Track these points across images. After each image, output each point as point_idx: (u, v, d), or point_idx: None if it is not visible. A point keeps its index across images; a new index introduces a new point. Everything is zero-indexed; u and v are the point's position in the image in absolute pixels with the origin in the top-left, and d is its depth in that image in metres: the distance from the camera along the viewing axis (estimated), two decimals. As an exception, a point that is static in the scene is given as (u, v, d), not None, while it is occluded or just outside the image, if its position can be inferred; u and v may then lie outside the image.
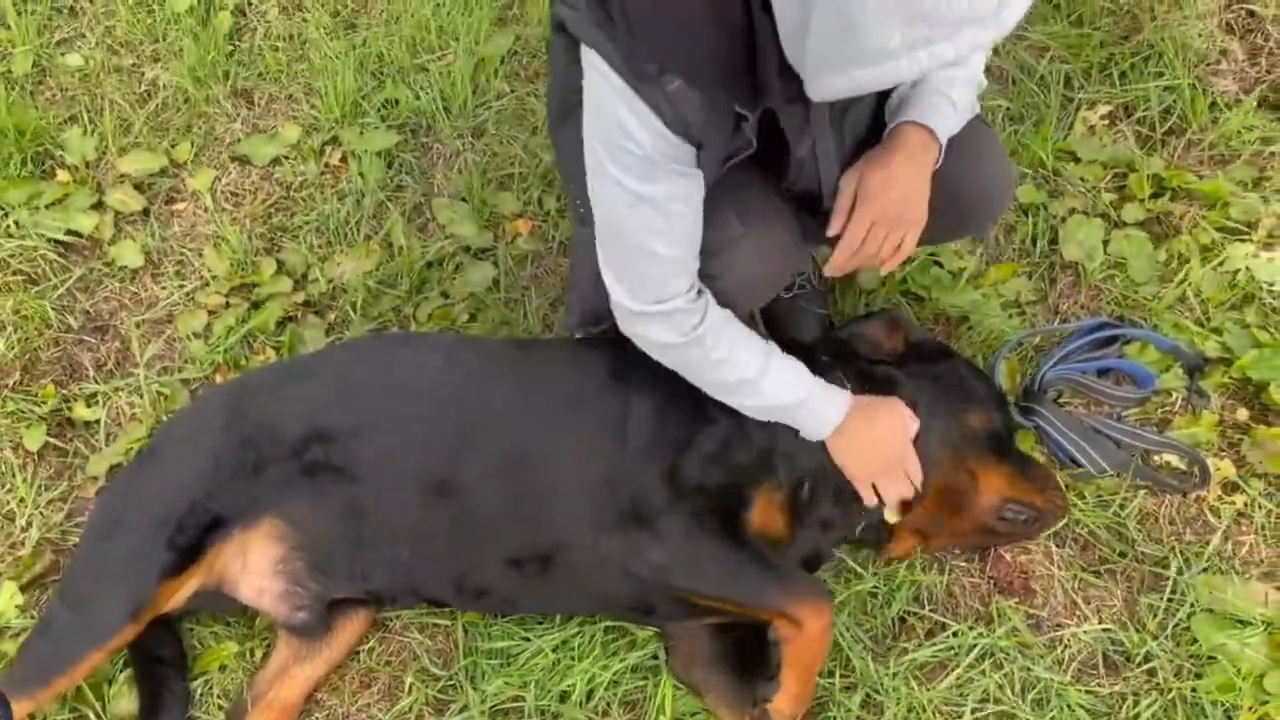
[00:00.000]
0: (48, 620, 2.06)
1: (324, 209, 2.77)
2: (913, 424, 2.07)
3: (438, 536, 2.07)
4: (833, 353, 2.22)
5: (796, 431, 2.03)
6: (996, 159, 2.08)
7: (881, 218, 1.88)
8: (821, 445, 2.03)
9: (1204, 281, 2.53)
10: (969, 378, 2.26)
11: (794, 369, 2.01)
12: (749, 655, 2.03)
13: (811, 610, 1.93)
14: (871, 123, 1.96)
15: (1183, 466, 2.30)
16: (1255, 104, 2.82)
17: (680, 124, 1.63)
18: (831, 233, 1.94)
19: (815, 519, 2.09)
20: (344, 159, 2.87)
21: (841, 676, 2.08)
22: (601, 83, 1.64)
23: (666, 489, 1.99)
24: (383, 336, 2.52)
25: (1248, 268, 2.53)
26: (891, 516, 2.08)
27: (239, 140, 2.91)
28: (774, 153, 1.82)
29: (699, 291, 1.88)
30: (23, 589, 2.23)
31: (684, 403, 2.05)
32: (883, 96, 1.94)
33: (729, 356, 1.92)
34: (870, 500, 2.05)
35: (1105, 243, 2.62)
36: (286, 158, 2.88)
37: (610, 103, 1.65)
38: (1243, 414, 2.35)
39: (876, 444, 2.04)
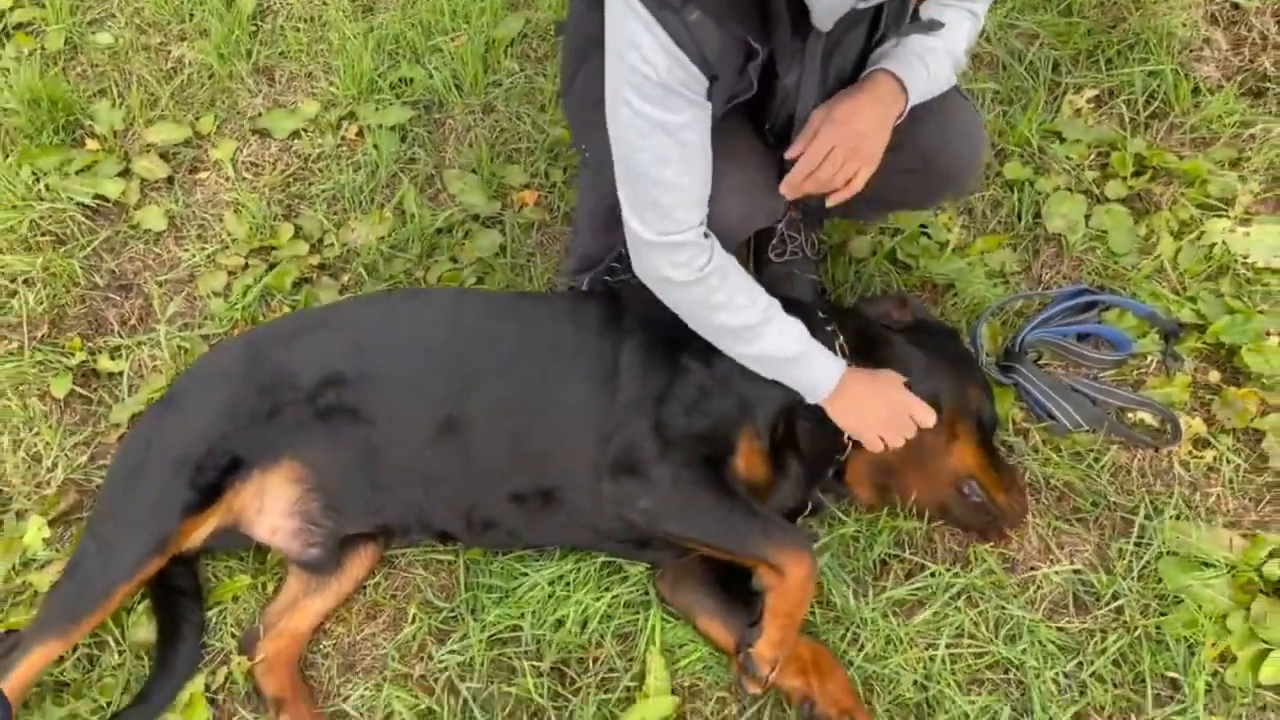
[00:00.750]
0: (76, 560, 2.17)
1: (340, 179, 2.90)
2: (926, 416, 2.15)
3: (447, 473, 2.18)
4: (830, 313, 2.32)
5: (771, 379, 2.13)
6: (969, 124, 2.19)
7: (842, 143, 1.96)
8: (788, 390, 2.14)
9: (1181, 254, 2.63)
10: (970, 362, 2.36)
11: (796, 325, 2.10)
12: (735, 577, 2.12)
13: (793, 559, 2.02)
14: (854, 70, 2.06)
15: (1156, 424, 2.40)
16: (1236, 91, 2.93)
17: (697, 52, 1.73)
18: (792, 154, 2.02)
19: (794, 463, 2.19)
20: (360, 133, 3.00)
21: (824, 612, 2.18)
22: (625, 11, 1.74)
23: (655, 439, 2.09)
24: (394, 291, 2.65)
25: (1224, 241, 2.63)
26: None
27: (260, 114, 3.05)
28: (763, 92, 1.93)
29: (707, 233, 1.98)
30: (50, 524, 2.35)
31: (663, 353, 2.16)
32: (867, 47, 2.05)
33: (732, 300, 2.02)
34: (878, 449, 2.14)
35: (1087, 217, 2.73)
36: (305, 131, 3.01)
37: (632, 29, 1.74)
38: (1214, 376, 2.45)
39: (878, 400, 2.14)
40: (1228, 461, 2.33)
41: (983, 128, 2.26)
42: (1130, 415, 2.41)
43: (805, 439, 2.19)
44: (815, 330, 2.15)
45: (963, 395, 2.25)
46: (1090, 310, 2.56)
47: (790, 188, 2.05)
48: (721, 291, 2.01)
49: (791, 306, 2.16)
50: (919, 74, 2.02)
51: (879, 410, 2.13)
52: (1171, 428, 2.36)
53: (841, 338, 2.23)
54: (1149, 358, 2.50)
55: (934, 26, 1.96)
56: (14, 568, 2.30)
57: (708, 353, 2.13)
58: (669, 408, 2.12)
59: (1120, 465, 2.35)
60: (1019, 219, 2.76)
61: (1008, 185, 2.81)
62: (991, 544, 2.24)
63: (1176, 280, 2.61)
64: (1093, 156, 2.85)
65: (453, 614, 2.23)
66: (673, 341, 2.15)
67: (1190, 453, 2.35)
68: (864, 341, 2.25)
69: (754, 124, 2.08)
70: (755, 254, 2.66)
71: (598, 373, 2.19)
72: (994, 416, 2.32)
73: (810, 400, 2.12)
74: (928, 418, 2.13)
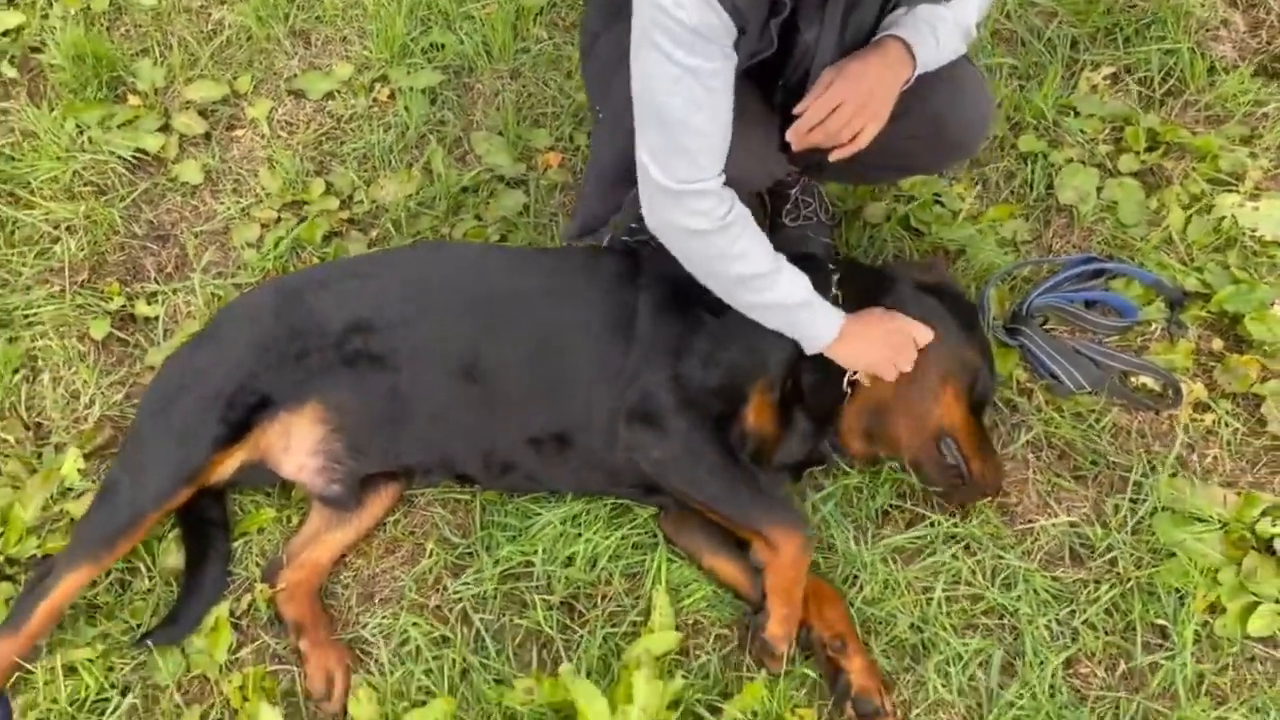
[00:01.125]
0: (108, 488, 2.26)
1: (370, 139, 2.99)
2: (924, 333, 2.22)
3: (468, 418, 2.27)
4: (837, 264, 2.39)
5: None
6: (979, 93, 2.25)
7: (851, 98, 2.02)
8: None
9: (1190, 226, 2.69)
10: (980, 332, 2.39)
11: (802, 276, 2.16)
12: None
13: (786, 535, 2.09)
14: (870, 31, 2.11)
15: (1157, 389, 2.45)
16: (1251, 71, 2.97)
17: (730, 0, 1.80)
18: (802, 107, 2.07)
19: (801, 416, 2.27)
20: (391, 95, 3.09)
21: (825, 557, 2.25)
22: None
23: (673, 391, 2.17)
24: (422, 243, 2.75)
25: (1233, 215, 2.68)
26: None
27: (295, 75, 3.15)
28: (782, 48, 1.99)
29: (726, 183, 2.03)
30: (85, 457, 2.45)
31: (678, 306, 2.23)
32: (883, 11, 2.10)
33: (748, 250, 2.08)
34: (892, 378, 2.20)
35: (1099, 189, 2.79)
36: (338, 92, 3.11)
37: None
38: (1217, 344, 2.50)
39: (876, 334, 2.20)
40: (1226, 425, 2.38)
41: (991, 96, 2.32)
42: (1133, 379, 2.47)
43: (811, 390, 2.26)
44: (818, 274, 2.22)
45: (958, 349, 2.29)
46: (1098, 278, 2.61)
47: (797, 136, 2.09)
48: (742, 241, 2.06)
49: (797, 256, 2.22)
50: (928, 42, 2.07)
51: (880, 344, 2.20)
52: (1173, 391, 2.41)
53: (837, 277, 2.29)
54: (1153, 325, 2.55)
55: None
56: (52, 497, 2.40)
57: (721, 306, 2.20)
58: (687, 361, 2.19)
59: (1120, 426, 2.40)
60: (1031, 190, 2.82)
61: (1021, 157, 2.87)
62: (952, 510, 2.30)
63: (1184, 251, 2.66)
64: (1107, 131, 2.90)
65: (468, 550, 2.31)
66: (687, 295, 2.22)
67: (1191, 416, 2.40)
68: (864, 286, 2.31)
69: (760, 87, 2.14)
70: (771, 220, 2.74)
71: (613, 324, 2.26)
72: (989, 388, 2.34)
73: (811, 350, 2.19)
74: (925, 334, 2.20)
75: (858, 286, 2.31)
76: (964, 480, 2.24)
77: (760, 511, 2.12)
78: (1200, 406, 2.42)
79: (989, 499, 2.29)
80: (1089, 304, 2.59)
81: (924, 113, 2.16)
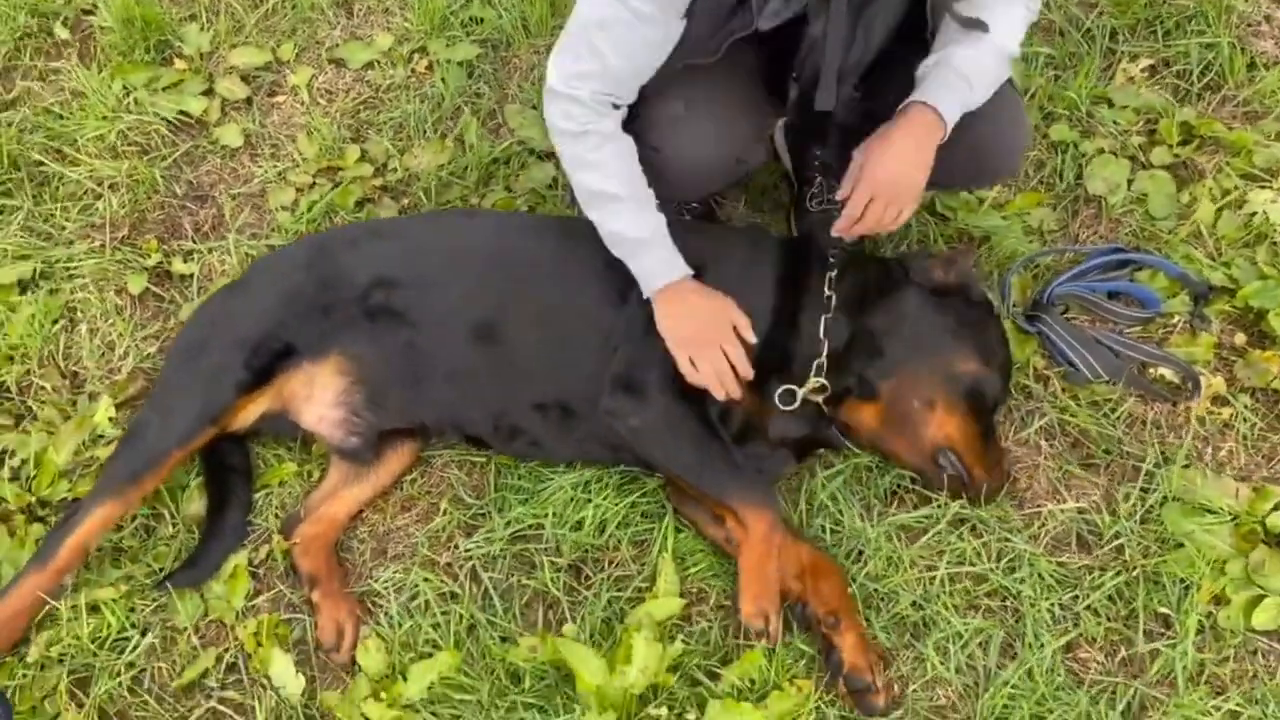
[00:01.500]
0: (136, 428, 2.34)
1: (407, 109, 3.04)
2: (740, 319, 2.20)
3: (480, 379, 2.32)
4: (849, 260, 2.38)
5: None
6: (1015, 121, 2.28)
7: (879, 193, 2.08)
8: None
9: (1220, 220, 2.66)
10: (991, 337, 2.31)
11: (655, 218, 2.18)
12: None
13: (755, 513, 2.10)
14: (887, 34, 2.13)
15: (1176, 381, 2.44)
16: (1294, 68, 2.94)
17: None
18: (840, 196, 2.18)
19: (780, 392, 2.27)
20: (429, 67, 3.14)
21: (833, 532, 2.27)
22: None
23: (661, 365, 2.19)
24: (450, 209, 2.80)
25: (1265, 211, 2.65)
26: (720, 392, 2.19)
27: (337, 45, 3.21)
28: (791, 40, 2.01)
29: (615, 107, 2.10)
30: (117, 406, 2.53)
31: None
32: (916, 14, 2.11)
33: (605, 164, 2.13)
34: (686, 370, 2.17)
35: (1130, 181, 2.77)
36: (378, 62, 3.16)
37: None
38: (1240, 338, 2.48)
39: (696, 314, 2.19)
40: (1244, 420, 2.37)
41: (1027, 120, 2.34)
42: (1151, 371, 2.46)
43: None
44: (816, 269, 2.27)
45: (949, 364, 2.23)
46: (1122, 269, 2.60)
47: (840, 232, 2.20)
48: (598, 153, 2.12)
49: (797, 242, 2.30)
50: (959, 91, 2.09)
51: (700, 321, 2.17)
52: (1192, 384, 2.40)
53: (833, 274, 2.28)
54: (1176, 318, 2.54)
55: (978, 26, 2.02)
56: (84, 443, 2.47)
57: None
58: None
59: (1136, 416, 2.40)
60: (1060, 179, 2.81)
61: (1052, 146, 2.86)
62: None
63: (1213, 246, 2.64)
64: (1141, 123, 2.88)
65: (481, 511, 2.36)
66: None
67: (1208, 409, 2.39)
68: (864, 283, 2.31)
69: (770, 79, 2.15)
70: (796, 203, 2.76)
71: (614, 293, 2.30)
72: (998, 394, 2.28)
73: (645, 294, 2.21)
74: (748, 333, 2.18)
75: (857, 284, 2.30)
76: (966, 486, 2.23)
77: (733, 488, 2.14)
78: (1219, 400, 2.40)
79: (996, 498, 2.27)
80: (1112, 295, 2.58)
81: (961, 144, 2.16)
